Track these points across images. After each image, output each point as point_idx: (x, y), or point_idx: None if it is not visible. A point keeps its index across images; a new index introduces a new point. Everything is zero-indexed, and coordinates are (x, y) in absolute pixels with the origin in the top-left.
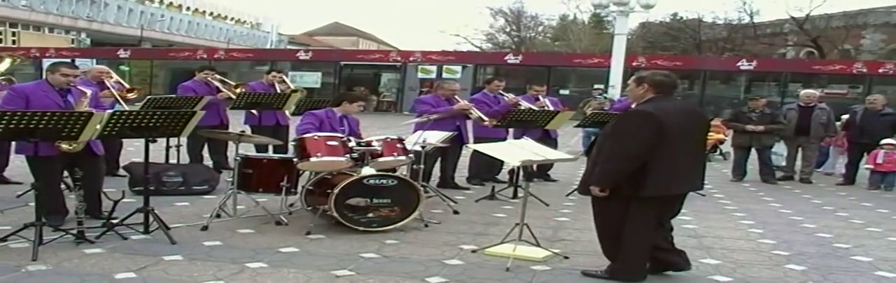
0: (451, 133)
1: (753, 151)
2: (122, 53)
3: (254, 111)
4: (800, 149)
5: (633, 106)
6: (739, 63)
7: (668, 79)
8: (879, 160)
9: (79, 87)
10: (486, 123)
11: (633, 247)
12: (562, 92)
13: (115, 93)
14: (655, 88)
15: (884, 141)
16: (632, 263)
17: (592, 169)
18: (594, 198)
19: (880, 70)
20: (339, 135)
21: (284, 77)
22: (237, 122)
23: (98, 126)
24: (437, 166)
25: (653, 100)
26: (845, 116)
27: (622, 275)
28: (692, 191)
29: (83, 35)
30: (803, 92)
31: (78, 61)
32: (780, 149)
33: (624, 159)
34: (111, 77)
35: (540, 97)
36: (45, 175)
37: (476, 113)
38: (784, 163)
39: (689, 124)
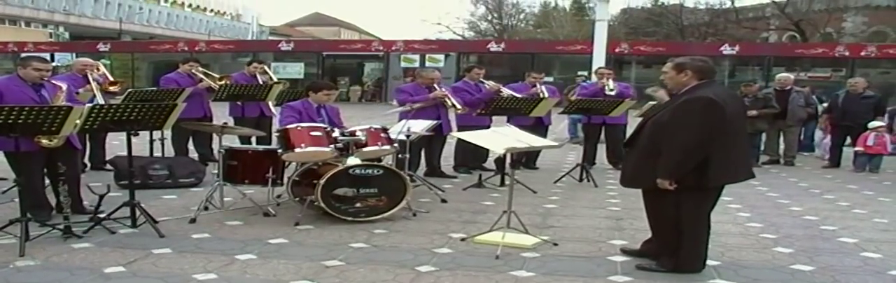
0: (434, 122)
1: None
2: (101, 47)
3: (239, 103)
4: (781, 133)
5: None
6: (722, 48)
7: (708, 64)
8: (870, 143)
9: (53, 81)
10: (460, 111)
11: (698, 235)
12: (546, 79)
13: (94, 87)
14: (699, 75)
15: (872, 124)
16: (698, 251)
17: (638, 160)
18: (649, 190)
19: (862, 53)
20: (323, 125)
21: (266, 68)
22: (221, 114)
23: (78, 121)
24: (422, 155)
25: (699, 86)
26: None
27: (691, 264)
28: (750, 179)
29: (61, 29)
30: (778, 76)
31: (57, 56)
32: None
33: (691, 148)
34: (98, 70)
35: (537, 84)
36: (26, 171)
37: (451, 101)
38: (763, 147)
39: (739, 111)
